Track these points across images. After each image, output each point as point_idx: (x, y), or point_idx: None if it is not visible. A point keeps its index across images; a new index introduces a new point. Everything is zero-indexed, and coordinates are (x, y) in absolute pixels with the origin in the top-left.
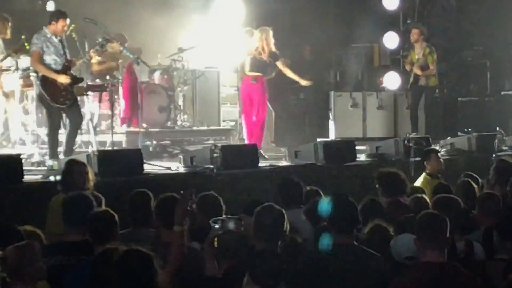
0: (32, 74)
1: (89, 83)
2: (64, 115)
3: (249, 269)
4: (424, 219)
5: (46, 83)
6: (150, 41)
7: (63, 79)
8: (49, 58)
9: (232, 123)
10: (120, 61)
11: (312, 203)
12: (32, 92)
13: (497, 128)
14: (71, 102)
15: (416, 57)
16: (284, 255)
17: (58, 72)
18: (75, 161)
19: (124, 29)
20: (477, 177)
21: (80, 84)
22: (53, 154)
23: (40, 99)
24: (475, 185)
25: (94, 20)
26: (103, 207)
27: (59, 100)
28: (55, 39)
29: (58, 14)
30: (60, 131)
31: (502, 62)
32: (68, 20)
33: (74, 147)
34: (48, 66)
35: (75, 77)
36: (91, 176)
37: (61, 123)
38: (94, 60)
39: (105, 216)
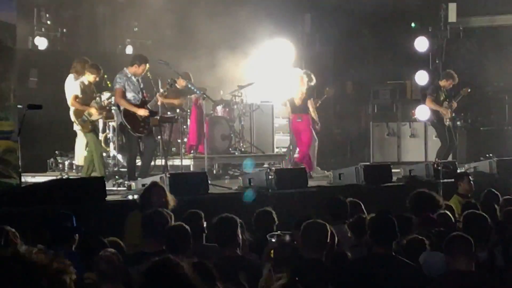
0: (113, 108)
1: (162, 115)
2: (141, 142)
3: (299, 276)
4: (452, 240)
5: (127, 115)
6: (214, 80)
7: (142, 112)
8: (130, 95)
9: (284, 149)
10: (189, 96)
11: (356, 218)
12: (113, 123)
13: None
14: (148, 132)
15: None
16: (329, 264)
17: (138, 106)
18: (155, 183)
19: (192, 70)
20: (498, 194)
21: (155, 116)
22: (131, 176)
23: (122, 128)
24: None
25: (166, 61)
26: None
27: (138, 130)
28: (134, 79)
29: (141, 59)
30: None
31: None
32: (147, 65)
33: (149, 170)
34: (129, 101)
35: (151, 111)
36: (169, 197)
37: (139, 150)
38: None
39: (180, 230)
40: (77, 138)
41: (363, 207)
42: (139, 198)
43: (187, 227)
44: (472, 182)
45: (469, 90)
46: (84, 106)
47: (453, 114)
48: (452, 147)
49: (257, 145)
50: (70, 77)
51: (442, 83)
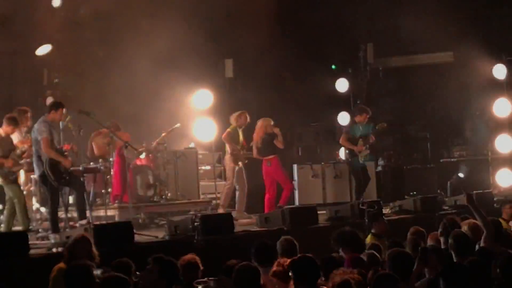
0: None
1: (85, 166)
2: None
3: None
4: (380, 279)
5: (51, 165)
6: (137, 128)
7: (68, 163)
8: (53, 145)
9: (210, 195)
10: (111, 145)
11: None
12: (34, 175)
13: (438, 191)
14: (69, 179)
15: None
16: None
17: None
18: (81, 235)
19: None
20: (424, 231)
21: (77, 168)
22: (55, 228)
23: (43, 179)
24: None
25: (87, 111)
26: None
27: (60, 181)
28: (54, 127)
29: (57, 104)
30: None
31: (440, 134)
32: (64, 110)
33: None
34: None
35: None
36: (94, 250)
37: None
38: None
39: (116, 281)
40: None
41: (297, 248)
42: (64, 250)
43: (120, 279)
44: (386, 221)
45: (385, 125)
46: (0, 158)
47: (367, 151)
48: (365, 184)
49: (183, 192)
50: None
51: (357, 118)
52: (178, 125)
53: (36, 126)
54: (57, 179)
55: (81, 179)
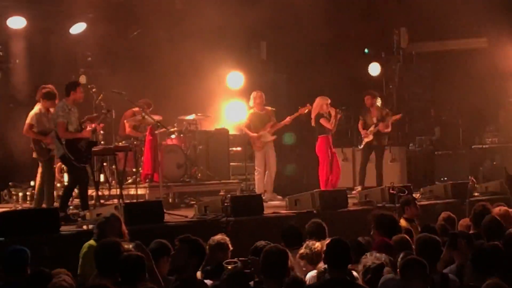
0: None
1: (117, 144)
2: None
3: None
4: (408, 264)
5: (70, 146)
6: (170, 108)
7: (87, 133)
8: (71, 127)
9: (241, 177)
10: (143, 125)
11: (310, 249)
12: None
13: (469, 177)
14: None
15: (374, 119)
16: None
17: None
18: (112, 213)
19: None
20: (454, 217)
21: (108, 146)
22: (85, 206)
23: (65, 161)
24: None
25: (119, 91)
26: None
27: (82, 160)
28: (74, 110)
29: (73, 84)
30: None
31: (472, 120)
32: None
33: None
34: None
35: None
36: (122, 226)
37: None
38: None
39: (134, 260)
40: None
41: (326, 231)
42: (95, 228)
43: (141, 256)
44: (418, 206)
45: (399, 116)
46: (38, 135)
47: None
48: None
49: (213, 172)
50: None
51: (368, 103)
52: (209, 116)
53: (56, 109)
54: (77, 159)
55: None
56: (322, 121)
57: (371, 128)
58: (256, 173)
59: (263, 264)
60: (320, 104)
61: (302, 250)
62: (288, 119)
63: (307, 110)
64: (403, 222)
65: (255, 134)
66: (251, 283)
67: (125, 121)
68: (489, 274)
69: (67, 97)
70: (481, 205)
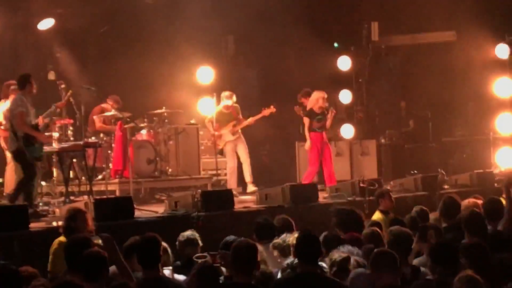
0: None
1: (86, 140)
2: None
3: None
4: (378, 257)
5: (27, 140)
6: (139, 104)
7: (44, 138)
8: (28, 120)
9: (212, 172)
10: (113, 121)
11: (284, 240)
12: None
13: (439, 170)
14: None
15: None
16: (258, 285)
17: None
18: (79, 209)
19: (116, 94)
20: (427, 210)
21: (78, 142)
22: (30, 204)
23: (18, 155)
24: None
25: (88, 87)
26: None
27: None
28: (28, 104)
29: (26, 77)
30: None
31: (441, 113)
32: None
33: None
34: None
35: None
36: (90, 221)
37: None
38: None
39: (95, 256)
40: (8, 165)
41: (293, 225)
42: (63, 224)
43: (102, 252)
44: (393, 198)
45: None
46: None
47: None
48: None
49: (183, 168)
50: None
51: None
52: (181, 111)
53: (11, 101)
54: (31, 155)
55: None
56: (305, 120)
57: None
58: (227, 168)
59: (232, 258)
60: (316, 98)
61: (275, 240)
62: (251, 119)
63: (269, 112)
64: (378, 214)
65: (216, 133)
66: (221, 277)
67: (94, 117)
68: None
69: (23, 89)
70: (449, 197)
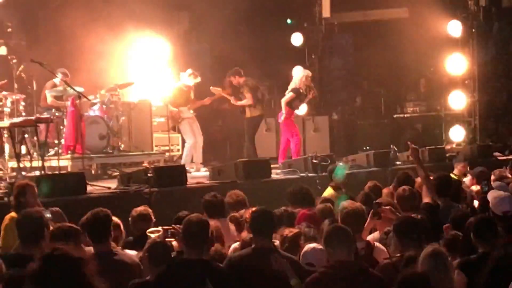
0: None
1: (38, 115)
2: None
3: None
4: (332, 232)
5: None
6: (91, 79)
7: None
8: None
9: (164, 148)
10: (65, 96)
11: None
12: None
13: (391, 146)
14: None
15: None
16: (211, 261)
17: None
18: (26, 183)
19: (68, 70)
20: (380, 186)
21: (29, 117)
22: None
23: None
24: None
25: (40, 61)
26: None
27: None
28: None
29: None
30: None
31: (394, 90)
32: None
33: None
34: None
35: None
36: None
37: None
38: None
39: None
40: None
41: (246, 203)
42: (12, 199)
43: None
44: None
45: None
46: None
47: None
48: None
49: (136, 143)
50: None
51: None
52: (132, 83)
53: None
54: None
55: None
56: (290, 96)
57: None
58: (186, 144)
59: (183, 233)
60: (301, 76)
61: (232, 214)
62: (207, 100)
63: (221, 90)
64: (330, 190)
65: (175, 109)
66: (173, 253)
67: (46, 91)
68: (410, 245)
69: None
70: (403, 173)
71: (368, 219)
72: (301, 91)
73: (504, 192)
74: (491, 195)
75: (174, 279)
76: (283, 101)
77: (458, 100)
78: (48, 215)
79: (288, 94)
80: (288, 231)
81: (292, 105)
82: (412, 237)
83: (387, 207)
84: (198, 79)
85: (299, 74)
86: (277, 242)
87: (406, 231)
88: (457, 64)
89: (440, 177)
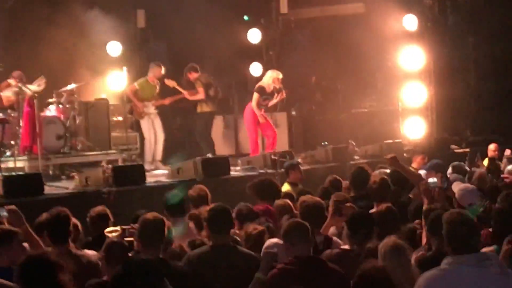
0: None
1: None
2: None
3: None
4: (291, 228)
5: None
6: (48, 80)
7: None
8: None
9: (122, 147)
10: (20, 96)
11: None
12: None
13: (349, 141)
14: None
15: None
16: (168, 260)
17: None
18: None
19: (25, 69)
20: (340, 180)
21: None
22: None
23: None
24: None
25: None
26: None
27: None
28: None
29: None
30: None
31: (351, 84)
32: None
33: None
34: None
35: None
36: None
37: None
38: None
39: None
40: None
41: (209, 199)
42: None
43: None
44: (301, 170)
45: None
46: None
47: None
48: None
49: (94, 143)
50: None
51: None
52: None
53: None
54: None
55: None
56: (254, 95)
57: None
58: (146, 142)
59: (139, 232)
60: (270, 76)
61: (192, 211)
62: (167, 100)
63: (175, 83)
64: (287, 186)
65: (140, 103)
66: (131, 253)
67: (0, 93)
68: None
69: None
70: (358, 168)
71: (329, 217)
72: (264, 87)
73: (470, 185)
74: (456, 187)
75: (131, 279)
76: (254, 106)
77: (415, 94)
78: (4, 214)
79: (254, 96)
80: (252, 228)
81: (260, 105)
82: (362, 232)
83: (348, 204)
84: (163, 70)
85: (268, 74)
86: (239, 239)
87: (356, 226)
88: (413, 58)
89: (396, 171)
